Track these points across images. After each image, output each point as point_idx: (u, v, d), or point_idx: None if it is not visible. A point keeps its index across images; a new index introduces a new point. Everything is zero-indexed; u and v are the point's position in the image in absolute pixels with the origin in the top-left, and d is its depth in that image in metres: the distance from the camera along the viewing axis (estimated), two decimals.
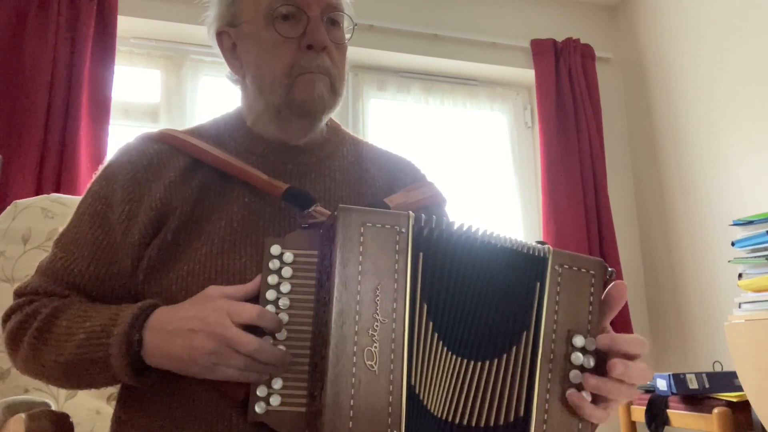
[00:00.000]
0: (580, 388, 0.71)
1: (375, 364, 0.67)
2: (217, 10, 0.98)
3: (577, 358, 0.72)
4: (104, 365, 0.78)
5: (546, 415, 0.71)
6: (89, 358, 0.79)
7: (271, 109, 0.93)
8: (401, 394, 0.67)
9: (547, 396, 0.71)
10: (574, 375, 0.72)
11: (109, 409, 1.31)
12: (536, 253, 0.74)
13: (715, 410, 1.92)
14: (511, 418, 0.71)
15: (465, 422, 0.71)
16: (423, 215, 0.73)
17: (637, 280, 2.98)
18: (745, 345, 1.81)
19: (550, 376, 0.71)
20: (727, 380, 2.07)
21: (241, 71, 0.95)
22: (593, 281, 0.74)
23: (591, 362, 0.72)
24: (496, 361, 0.72)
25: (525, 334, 0.73)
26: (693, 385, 2.05)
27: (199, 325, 0.73)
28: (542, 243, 0.76)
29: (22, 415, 0.86)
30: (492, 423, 0.71)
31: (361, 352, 0.67)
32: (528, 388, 0.72)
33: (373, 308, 0.68)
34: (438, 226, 0.73)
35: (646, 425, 2.16)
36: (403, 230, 0.71)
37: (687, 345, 2.74)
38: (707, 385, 2.06)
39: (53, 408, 0.97)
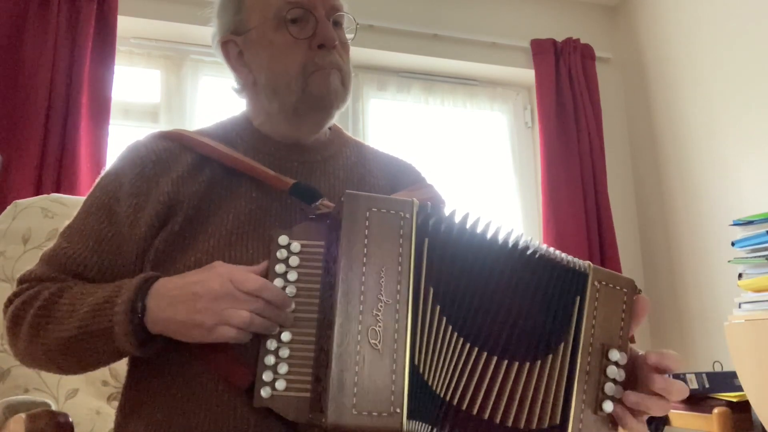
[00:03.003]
0: (613, 400, 0.74)
1: (379, 343, 0.69)
2: (221, 20, 1.01)
3: (612, 371, 0.75)
4: (108, 337, 0.79)
5: (581, 425, 0.73)
6: (93, 329, 0.79)
7: (287, 108, 0.95)
8: (404, 373, 0.69)
9: (583, 406, 0.73)
10: (609, 387, 0.74)
11: (109, 409, 1.31)
12: (578, 268, 0.77)
13: (715, 410, 1.92)
14: (545, 425, 0.73)
15: (485, 415, 0.72)
16: (429, 203, 0.76)
17: (637, 280, 2.96)
18: (745, 345, 1.81)
19: (586, 387, 0.74)
20: (727, 380, 2.07)
21: (250, 76, 0.98)
22: (626, 299, 0.78)
23: (622, 375, 0.75)
24: (527, 364, 0.74)
25: (563, 344, 0.75)
26: (693, 385, 2.05)
27: (202, 289, 0.75)
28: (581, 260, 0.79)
29: (22, 415, 0.86)
30: (522, 425, 0.73)
31: (366, 331, 0.69)
32: (565, 397, 0.74)
33: (377, 289, 0.70)
34: (450, 217, 0.76)
35: (646, 425, 2.16)
36: (407, 216, 0.73)
37: (687, 345, 2.74)
38: (707, 385, 2.05)
39: (53, 408, 0.97)
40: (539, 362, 0.74)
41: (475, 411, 0.72)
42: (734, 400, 1.96)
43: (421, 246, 0.73)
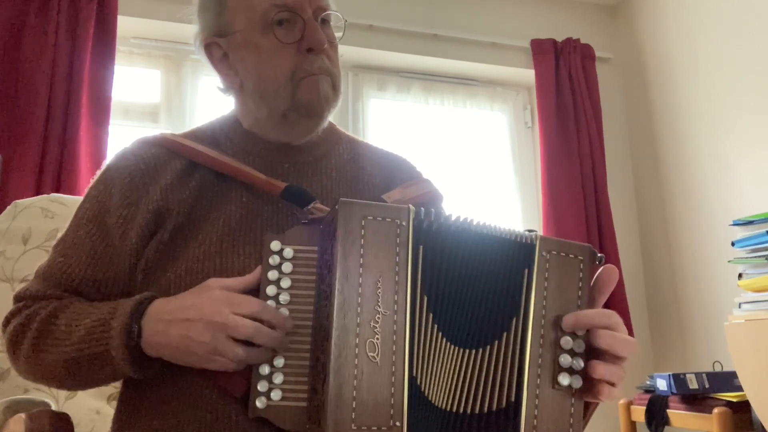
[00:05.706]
0: (571, 372, 0.72)
1: (377, 355, 0.67)
2: (202, 22, 0.97)
3: (567, 342, 0.72)
4: (105, 359, 0.79)
5: (537, 400, 0.71)
6: (90, 353, 0.79)
7: (276, 114, 0.93)
8: (403, 386, 0.67)
9: (538, 381, 0.71)
10: (564, 360, 0.72)
11: (109, 409, 1.31)
12: (524, 240, 0.75)
13: (715, 410, 1.92)
14: (503, 404, 0.71)
15: (462, 410, 0.71)
16: (423, 209, 0.73)
17: (637, 280, 2.98)
18: (745, 345, 1.81)
19: (540, 361, 0.71)
20: (727, 380, 2.07)
21: (237, 79, 0.95)
22: (581, 266, 0.74)
23: (581, 345, 0.72)
24: (488, 348, 0.72)
25: (515, 320, 0.73)
26: (693, 385, 2.05)
27: (196, 315, 0.74)
28: (531, 231, 0.76)
29: (22, 415, 0.86)
30: (486, 409, 0.71)
31: (363, 344, 0.67)
32: (518, 373, 0.72)
33: (374, 300, 0.69)
34: (437, 219, 0.73)
35: (646, 425, 2.16)
36: (404, 223, 0.71)
37: (687, 345, 2.74)
38: (707, 385, 2.05)
39: (53, 408, 0.97)
40: (496, 342, 0.72)
41: (457, 408, 0.71)
42: (734, 400, 1.96)
43: (417, 254, 0.71)
